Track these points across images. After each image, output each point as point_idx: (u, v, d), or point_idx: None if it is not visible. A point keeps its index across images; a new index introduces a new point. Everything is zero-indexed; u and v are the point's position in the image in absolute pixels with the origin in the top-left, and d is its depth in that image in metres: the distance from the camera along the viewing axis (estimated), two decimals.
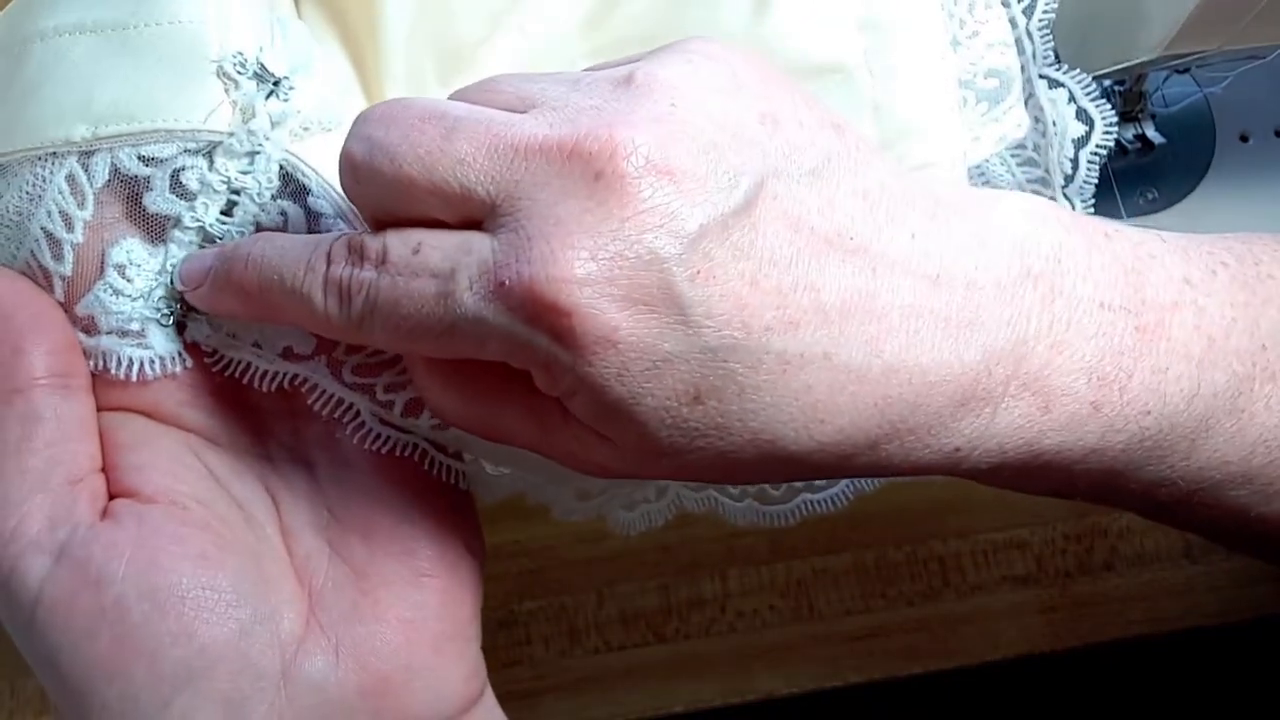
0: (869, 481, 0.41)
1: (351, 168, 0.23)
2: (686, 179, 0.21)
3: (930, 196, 0.24)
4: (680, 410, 0.22)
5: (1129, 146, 0.46)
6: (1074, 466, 0.25)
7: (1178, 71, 0.44)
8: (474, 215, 0.22)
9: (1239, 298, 0.27)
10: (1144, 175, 0.46)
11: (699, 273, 0.21)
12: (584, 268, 0.21)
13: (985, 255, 0.24)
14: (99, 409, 0.27)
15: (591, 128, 0.21)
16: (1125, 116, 0.46)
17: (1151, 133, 0.45)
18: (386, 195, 0.23)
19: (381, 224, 0.23)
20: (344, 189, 0.24)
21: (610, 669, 0.42)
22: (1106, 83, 0.46)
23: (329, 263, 0.23)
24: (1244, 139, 0.47)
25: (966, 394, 0.23)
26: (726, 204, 0.21)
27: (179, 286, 0.26)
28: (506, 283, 0.21)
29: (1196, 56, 0.38)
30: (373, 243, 0.23)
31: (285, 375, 0.27)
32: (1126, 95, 0.45)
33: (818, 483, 0.40)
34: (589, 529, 0.43)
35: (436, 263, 0.22)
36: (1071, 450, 0.25)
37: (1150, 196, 0.46)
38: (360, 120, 0.23)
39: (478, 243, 0.22)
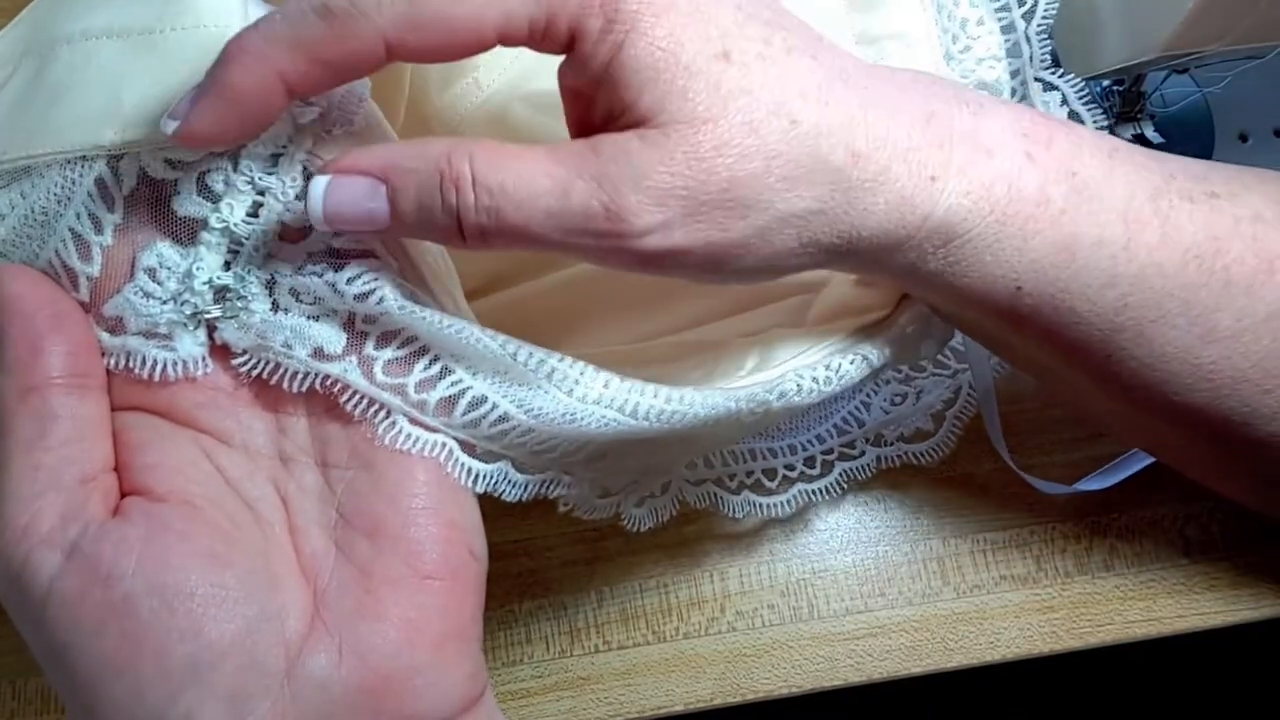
0: (861, 470, 0.41)
1: None
2: None
3: None
4: (715, 65, 0.24)
5: None
6: (1029, 233, 0.27)
7: (1177, 71, 0.44)
8: None
9: (1135, 148, 0.30)
10: None
11: None
12: None
13: (896, 68, 0.29)
14: (114, 408, 0.27)
15: None
16: (1124, 117, 0.46)
17: (1150, 133, 0.45)
18: None
19: None
20: None
21: (610, 669, 0.42)
22: (1106, 83, 0.46)
23: None
24: (1243, 139, 0.47)
25: (923, 125, 0.27)
26: None
27: (168, 131, 0.24)
28: None
29: (1196, 56, 0.38)
30: None
31: (316, 376, 0.27)
32: (1125, 95, 0.45)
33: (810, 472, 0.40)
34: (589, 529, 0.43)
35: None
36: (1021, 201, 0.27)
37: None
38: None
39: None
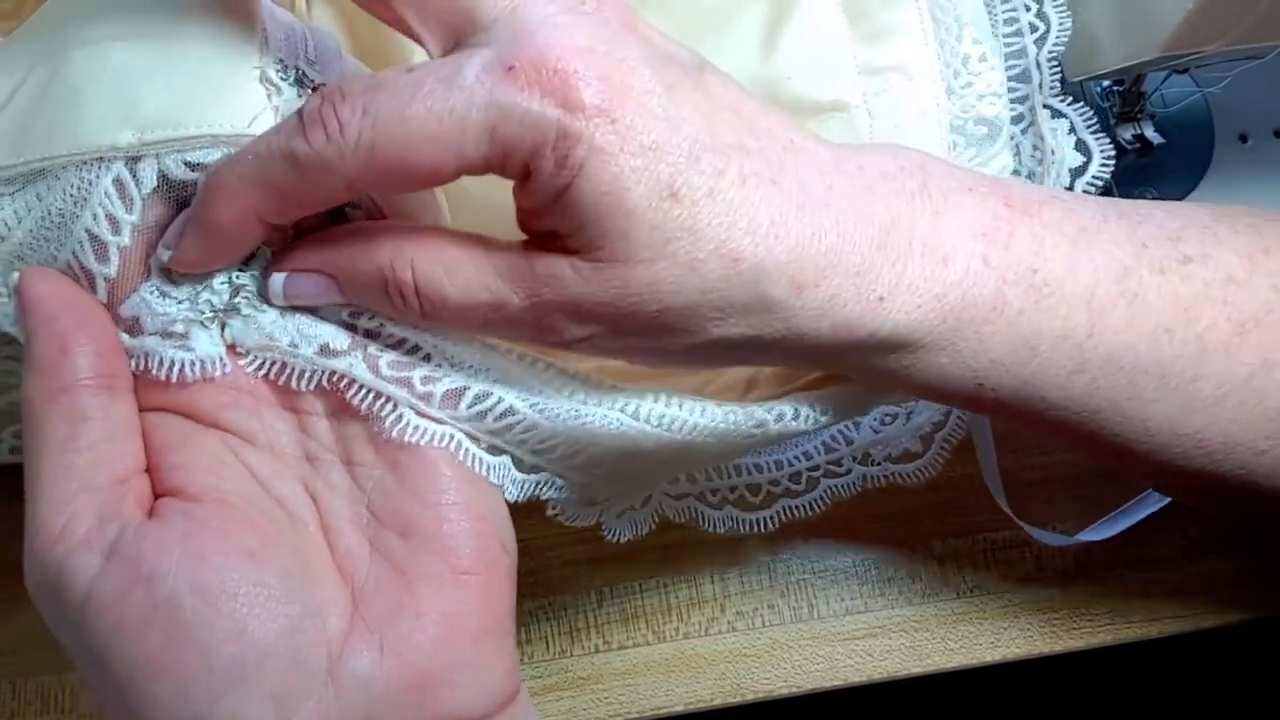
0: (846, 487, 0.41)
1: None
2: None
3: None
4: (661, 205, 0.24)
5: (1128, 147, 0.46)
6: (985, 335, 0.27)
7: (1177, 72, 0.44)
8: (461, 30, 0.24)
9: (1110, 212, 0.29)
10: (1143, 176, 0.46)
11: (673, 87, 0.24)
12: (585, 38, 0.24)
13: (867, 154, 0.28)
14: (139, 410, 0.27)
15: None
16: (1124, 117, 0.46)
17: (1150, 133, 0.45)
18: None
19: None
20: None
21: (610, 669, 0.42)
22: (1106, 83, 0.46)
23: (302, 114, 0.24)
24: (1243, 139, 0.47)
25: (879, 241, 0.26)
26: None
27: (164, 259, 0.26)
28: (515, 65, 0.23)
29: (1196, 56, 0.38)
30: (356, 80, 0.24)
31: (323, 373, 0.27)
32: (1125, 96, 0.45)
33: (795, 487, 0.40)
34: (589, 528, 0.43)
35: (436, 71, 0.23)
36: (976, 306, 0.27)
37: (1149, 197, 0.46)
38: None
39: (471, 49, 0.24)
